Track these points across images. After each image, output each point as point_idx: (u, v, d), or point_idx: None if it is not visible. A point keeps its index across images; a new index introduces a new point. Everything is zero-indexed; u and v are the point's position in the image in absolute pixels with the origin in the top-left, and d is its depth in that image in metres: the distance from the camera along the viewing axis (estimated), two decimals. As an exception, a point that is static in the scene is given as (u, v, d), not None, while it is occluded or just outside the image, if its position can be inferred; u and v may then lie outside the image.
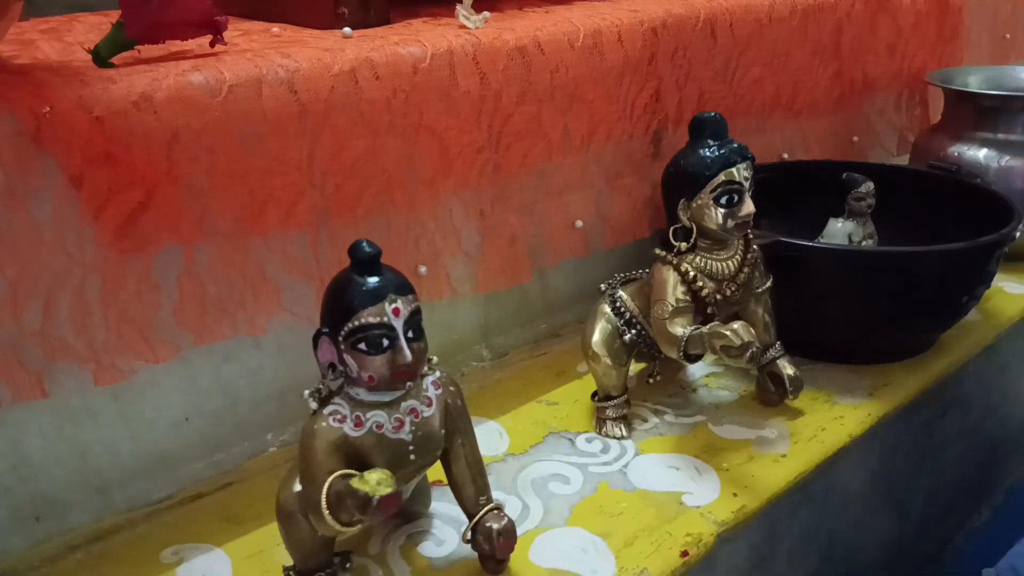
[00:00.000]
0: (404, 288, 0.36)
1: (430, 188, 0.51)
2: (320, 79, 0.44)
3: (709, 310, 0.48)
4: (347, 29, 0.51)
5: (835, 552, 0.55)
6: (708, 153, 0.45)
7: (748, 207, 0.46)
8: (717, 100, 0.66)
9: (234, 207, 0.43)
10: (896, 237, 0.62)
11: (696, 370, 0.58)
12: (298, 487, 0.37)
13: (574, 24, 0.55)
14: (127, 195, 0.40)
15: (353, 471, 0.35)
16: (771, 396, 0.53)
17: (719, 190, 0.45)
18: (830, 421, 0.52)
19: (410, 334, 0.35)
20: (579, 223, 0.60)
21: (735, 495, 0.45)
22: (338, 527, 0.35)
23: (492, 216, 0.55)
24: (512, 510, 0.44)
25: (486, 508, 0.39)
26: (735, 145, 0.46)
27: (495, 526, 0.39)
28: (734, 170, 0.45)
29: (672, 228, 0.47)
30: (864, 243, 0.61)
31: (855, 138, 0.83)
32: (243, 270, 0.45)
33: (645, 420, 0.53)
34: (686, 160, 0.46)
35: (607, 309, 0.51)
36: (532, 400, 0.55)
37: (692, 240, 0.47)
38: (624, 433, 0.51)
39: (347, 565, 0.40)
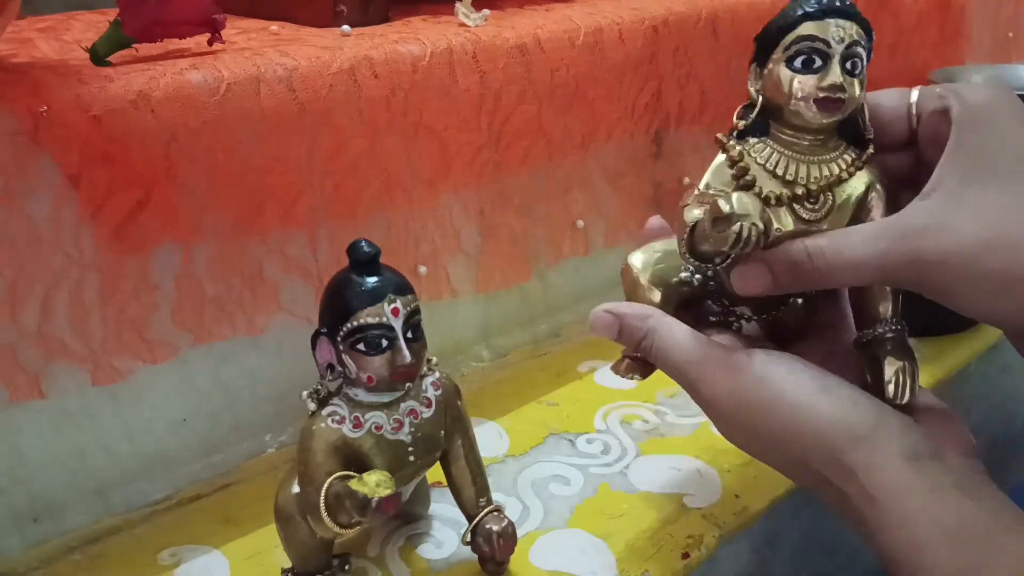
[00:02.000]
0: (403, 288, 0.36)
1: (429, 187, 0.51)
2: (319, 77, 0.44)
3: (776, 227, 0.34)
4: (346, 27, 0.50)
5: (837, 553, 0.55)
6: (796, 4, 0.35)
7: (834, 76, 0.34)
8: (720, 99, 0.66)
9: (232, 206, 0.43)
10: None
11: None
12: (297, 488, 0.37)
13: (575, 22, 0.55)
14: (125, 194, 0.40)
15: (352, 472, 0.35)
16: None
17: (793, 48, 0.34)
18: (832, 422, 0.51)
19: (409, 334, 0.35)
20: (580, 223, 0.60)
21: (737, 496, 0.45)
22: (337, 529, 0.35)
23: (492, 216, 0.55)
24: (512, 512, 0.44)
25: (486, 510, 0.39)
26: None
27: (495, 528, 0.39)
28: (822, 24, 0.34)
29: (740, 108, 0.37)
30: None
31: (857, 137, 0.82)
32: (241, 270, 0.45)
33: (646, 420, 0.52)
34: (773, 18, 0.36)
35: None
36: (532, 401, 0.55)
37: (751, 117, 0.36)
38: (638, 376, 0.40)
39: (346, 567, 0.40)
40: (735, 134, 0.37)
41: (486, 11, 0.54)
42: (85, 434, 0.43)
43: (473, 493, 0.40)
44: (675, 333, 0.36)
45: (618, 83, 0.58)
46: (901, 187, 0.37)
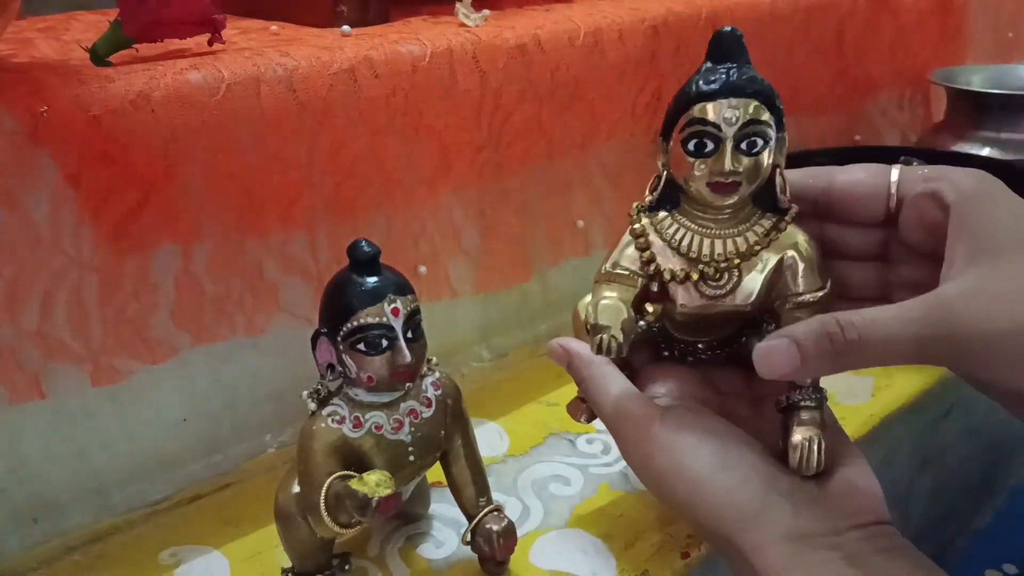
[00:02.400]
0: (403, 288, 0.36)
1: (429, 187, 0.51)
2: (319, 77, 0.44)
3: (680, 303, 0.35)
4: (346, 27, 0.50)
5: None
6: (695, 79, 0.34)
7: (725, 163, 0.33)
8: (718, 99, 0.66)
9: (232, 207, 0.43)
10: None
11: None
12: (296, 488, 0.37)
13: (575, 22, 0.55)
14: (124, 194, 0.40)
15: (352, 472, 0.35)
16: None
17: (687, 131, 0.34)
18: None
19: (409, 334, 0.35)
20: (580, 223, 0.60)
21: (737, 496, 0.45)
22: (337, 529, 0.35)
23: (492, 216, 0.55)
24: (512, 511, 0.44)
25: (486, 510, 0.39)
26: (734, 74, 0.34)
27: (495, 528, 0.38)
28: (713, 106, 0.33)
29: (654, 178, 0.37)
30: None
31: (857, 137, 0.82)
32: (241, 270, 0.45)
33: (646, 421, 0.52)
34: (679, 91, 0.35)
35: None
36: (532, 401, 0.55)
37: (656, 191, 0.36)
38: (585, 418, 0.41)
39: (346, 567, 0.40)
40: (646, 206, 0.37)
41: (486, 11, 0.54)
42: (85, 434, 0.43)
43: (473, 493, 0.40)
44: (606, 386, 0.37)
45: (618, 83, 0.58)
46: (856, 262, 0.37)
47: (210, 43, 0.45)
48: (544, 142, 0.55)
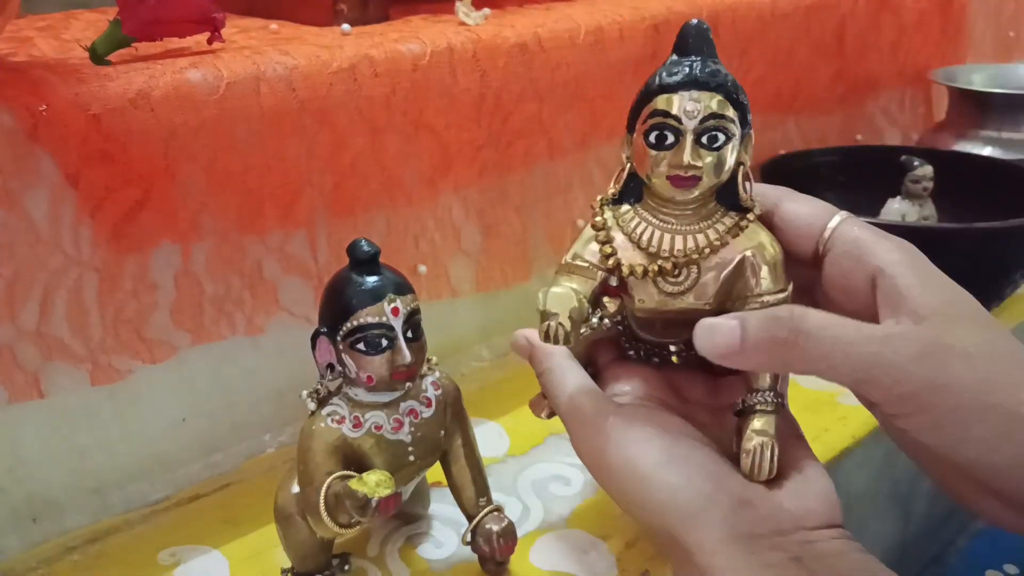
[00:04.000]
0: (403, 287, 0.35)
1: (430, 186, 0.51)
2: (318, 76, 0.44)
3: (638, 299, 0.35)
4: (346, 26, 0.50)
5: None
6: (659, 71, 0.34)
7: (684, 154, 0.32)
8: (719, 98, 0.66)
9: (232, 205, 0.43)
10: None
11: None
12: (296, 488, 0.37)
13: (575, 21, 0.55)
14: (124, 193, 0.40)
15: (352, 472, 0.35)
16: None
17: (649, 123, 0.33)
18: (833, 421, 0.51)
19: (409, 334, 0.35)
20: (580, 222, 0.60)
21: (737, 496, 0.45)
22: (336, 529, 0.35)
23: (492, 215, 0.55)
24: (512, 512, 0.44)
25: (486, 510, 0.39)
26: (698, 67, 0.33)
27: (495, 528, 0.38)
28: (674, 98, 0.33)
29: (619, 170, 0.36)
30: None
31: (858, 136, 0.82)
32: (241, 269, 0.45)
33: (647, 420, 0.52)
34: (645, 82, 0.35)
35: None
36: (532, 400, 0.55)
37: (620, 183, 0.35)
38: (545, 414, 0.41)
39: (346, 567, 0.40)
40: (609, 199, 0.36)
41: (486, 10, 0.54)
42: (84, 434, 0.43)
43: (473, 493, 0.39)
44: (563, 381, 0.37)
45: (619, 82, 0.58)
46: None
47: (209, 42, 0.45)
48: (544, 141, 0.55)
